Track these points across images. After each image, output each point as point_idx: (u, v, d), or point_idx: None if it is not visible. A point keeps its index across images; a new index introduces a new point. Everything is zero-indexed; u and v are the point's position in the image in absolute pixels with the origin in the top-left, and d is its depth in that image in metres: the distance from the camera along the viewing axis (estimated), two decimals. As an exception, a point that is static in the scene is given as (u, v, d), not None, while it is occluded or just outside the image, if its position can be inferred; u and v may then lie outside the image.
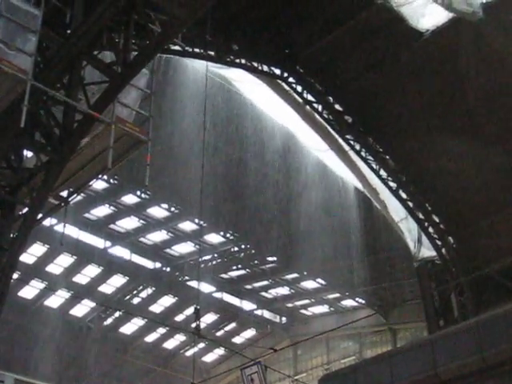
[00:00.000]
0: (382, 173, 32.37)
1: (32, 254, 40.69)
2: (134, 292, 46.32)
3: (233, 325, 51.05)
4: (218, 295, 47.54)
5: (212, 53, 27.91)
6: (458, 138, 29.81)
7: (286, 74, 30.41)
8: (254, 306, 49.72)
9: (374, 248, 38.59)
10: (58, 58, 14.84)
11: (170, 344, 51.14)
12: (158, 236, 42.40)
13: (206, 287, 45.96)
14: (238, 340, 51.80)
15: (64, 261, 42.38)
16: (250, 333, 51.91)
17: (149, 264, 44.61)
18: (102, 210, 39.94)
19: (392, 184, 32.57)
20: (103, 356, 47.61)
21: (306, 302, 48.79)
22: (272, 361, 45.28)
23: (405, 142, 31.51)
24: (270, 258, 44.26)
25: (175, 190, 36.84)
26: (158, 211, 39.94)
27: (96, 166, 16.12)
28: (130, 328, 49.02)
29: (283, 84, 30.75)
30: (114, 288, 45.22)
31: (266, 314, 50.91)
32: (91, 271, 43.64)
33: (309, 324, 49.03)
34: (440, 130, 30.16)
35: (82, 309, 46.60)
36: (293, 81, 30.61)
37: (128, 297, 46.44)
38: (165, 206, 39.41)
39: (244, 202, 37.68)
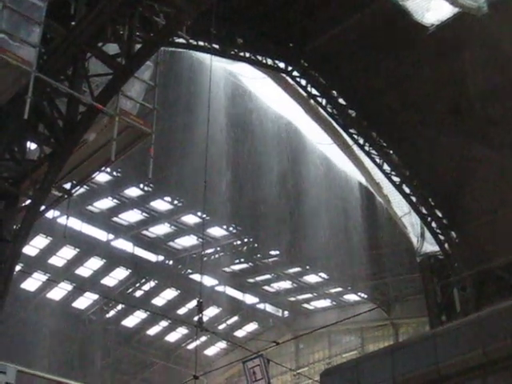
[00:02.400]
0: (386, 167, 32.34)
1: (35, 246, 40.70)
2: (137, 285, 46.34)
3: (235, 318, 51.07)
4: (220, 289, 47.54)
5: (216, 46, 27.88)
6: (463, 133, 29.80)
7: (290, 68, 30.38)
8: (257, 300, 49.75)
9: (377, 242, 38.57)
10: (62, 49, 14.83)
11: (172, 337, 51.20)
12: (160, 229, 42.41)
13: (208, 280, 45.99)
14: (240, 333, 51.82)
15: (67, 253, 42.41)
16: (252, 326, 51.93)
17: (151, 257, 44.63)
18: (105, 203, 39.94)
19: (395, 178, 32.54)
20: (105, 349, 47.68)
21: (309, 296, 48.78)
22: (274, 354, 45.16)
23: (409, 137, 31.48)
24: (272, 252, 44.28)
25: (178, 183, 36.81)
26: (161, 204, 39.96)
27: (99, 159, 16.12)
28: (132, 321, 49.06)
29: (287, 78, 30.73)
30: (117, 281, 45.26)
31: (269, 308, 50.93)
32: (94, 264, 43.67)
33: (311, 318, 49.05)
34: (444, 125, 30.13)
35: (85, 301, 46.65)
36: (297, 74, 30.59)
37: (130, 290, 46.47)
38: (168, 199, 39.43)
39: (247, 195, 37.65)
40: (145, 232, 42.70)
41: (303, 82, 30.79)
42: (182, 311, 47.81)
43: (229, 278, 46.85)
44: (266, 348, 26.61)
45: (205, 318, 38.09)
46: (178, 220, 41.28)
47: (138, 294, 47.03)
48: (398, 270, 40.94)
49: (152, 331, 50.36)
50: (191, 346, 50.72)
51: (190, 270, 45.15)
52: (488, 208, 31.20)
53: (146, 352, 50.82)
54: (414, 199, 32.78)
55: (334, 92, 31.20)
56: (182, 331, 50.46)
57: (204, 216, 39.68)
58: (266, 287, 48.34)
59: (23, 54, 13.92)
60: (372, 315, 42.63)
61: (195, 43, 27.06)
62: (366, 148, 32.02)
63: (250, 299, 49.51)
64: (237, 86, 31.91)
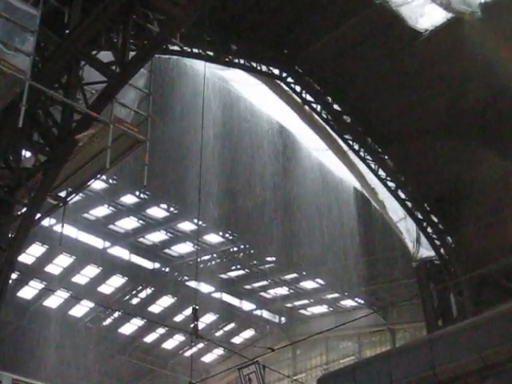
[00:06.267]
0: (381, 173, 32.37)
1: (31, 254, 40.64)
2: (133, 292, 46.30)
3: (232, 325, 51.06)
4: (217, 295, 47.52)
5: (211, 53, 27.89)
6: (457, 138, 29.83)
7: (284, 74, 30.38)
8: (253, 306, 49.74)
9: (373, 248, 38.56)
10: (57, 57, 14.83)
11: (169, 344, 51.13)
12: (157, 236, 42.39)
13: (205, 287, 45.97)
14: (237, 340, 51.77)
15: (63, 261, 42.35)
16: (249, 333, 51.92)
17: (148, 264, 44.60)
18: (100, 210, 39.90)
19: (391, 184, 32.57)
20: (102, 356, 47.57)
21: (305, 302, 48.78)
22: (271, 361, 45.25)
23: (404, 142, 31.50)
24: (269, 258, 44.26)
25: (174, 190, 36.79)
26: (157, 211, 39.94)
27: (94, 166, 16.09)
28: (129, 328, 49.00)
29: (282, 84, 30.74)
30: (113, 288, 45.21)
31: (265, 314, 50.91)
32: (90, 271, 43.62)
33: (308, 324, 49.02)
34: (439, 131, 30.17)
35: (81, 309, 46.57)
36: (291, 81, 30.58)
37: (127, 297, 46.42)
38: (164, 206, 39.41)
39: (243, 202, 37.66)
40: (141, 239, 42.67)
41: (298, 89, 30.79)
42: (178, 318, 47.76)
43: (225, 285, 46.83)
44: (262, 354, 26.62)
45: (201, 325, 38.10)
46: (174, 227, 41.28)
47: (135, 301, 46.99)
48: (394, 275, 40.96)
49: (149, 338, 50.31)
50: (188, 353, 50.66)
51: (186, 277, 45.12)
52: (484, 213, 31.23)
53: (143, 359, 50.74)
54: (409, 204, 32.81)
55: (328, 98, 31.21)
56: (179, 338, 50.39)
57: (200, 223, 39.64)
58: (263, 293, 48.34)
59: (17, 62, 13.89)
60: (369, 321, 42.61)
61: (189, 50, 27.02)
62: (362, 153, 32.04)
63: (246, 306, 49.50)
64: (231, 93, 31.88)
